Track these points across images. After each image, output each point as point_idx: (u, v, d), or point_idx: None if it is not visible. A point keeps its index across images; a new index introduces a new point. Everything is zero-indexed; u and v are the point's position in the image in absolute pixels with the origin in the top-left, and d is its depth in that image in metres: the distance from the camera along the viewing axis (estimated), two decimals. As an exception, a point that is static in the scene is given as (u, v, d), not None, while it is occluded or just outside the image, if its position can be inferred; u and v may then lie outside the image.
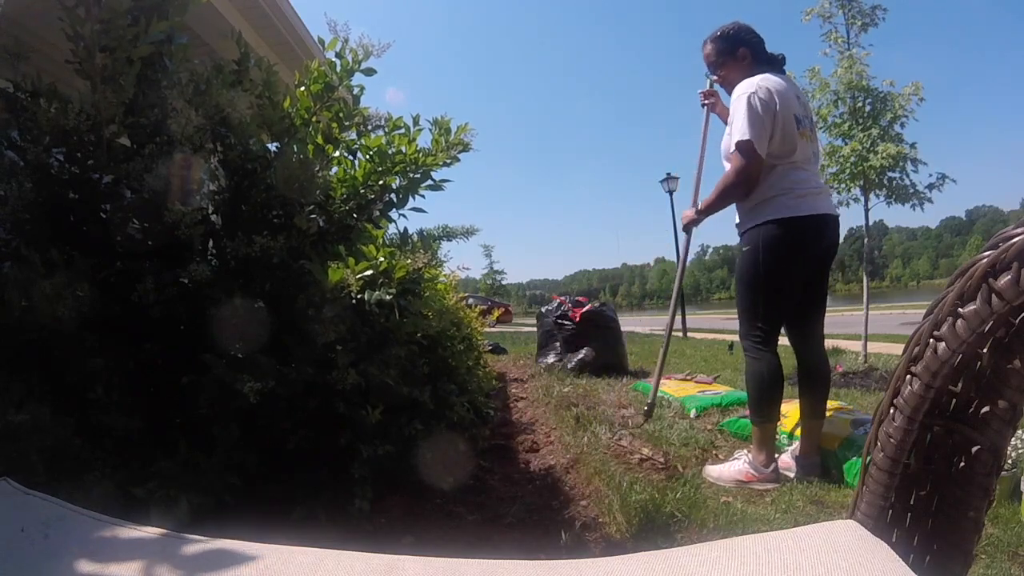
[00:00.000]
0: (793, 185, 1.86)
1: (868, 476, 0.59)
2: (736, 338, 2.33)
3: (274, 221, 1.52)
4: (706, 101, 2.38)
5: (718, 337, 10.21)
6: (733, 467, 1.95)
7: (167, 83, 1.38)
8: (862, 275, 5.01)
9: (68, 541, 0.53)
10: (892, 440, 0.56)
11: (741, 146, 1.85)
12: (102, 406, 1.16)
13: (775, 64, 2.02)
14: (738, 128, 1.84)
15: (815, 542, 0.53)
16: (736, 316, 2.04)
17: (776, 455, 1.98)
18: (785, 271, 1.86)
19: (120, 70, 1.27)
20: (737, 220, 2.02)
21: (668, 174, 12.79)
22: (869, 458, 0.59)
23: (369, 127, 1.76)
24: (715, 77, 2.18)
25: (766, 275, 1.87)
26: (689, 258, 2.80)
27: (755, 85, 1.86)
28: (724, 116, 2.20)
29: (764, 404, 1.91)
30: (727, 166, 1.95)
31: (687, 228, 2.31)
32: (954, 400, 0.57)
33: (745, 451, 2.02)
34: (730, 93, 1.99)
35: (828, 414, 2.05)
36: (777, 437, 2.07)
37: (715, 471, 1.98)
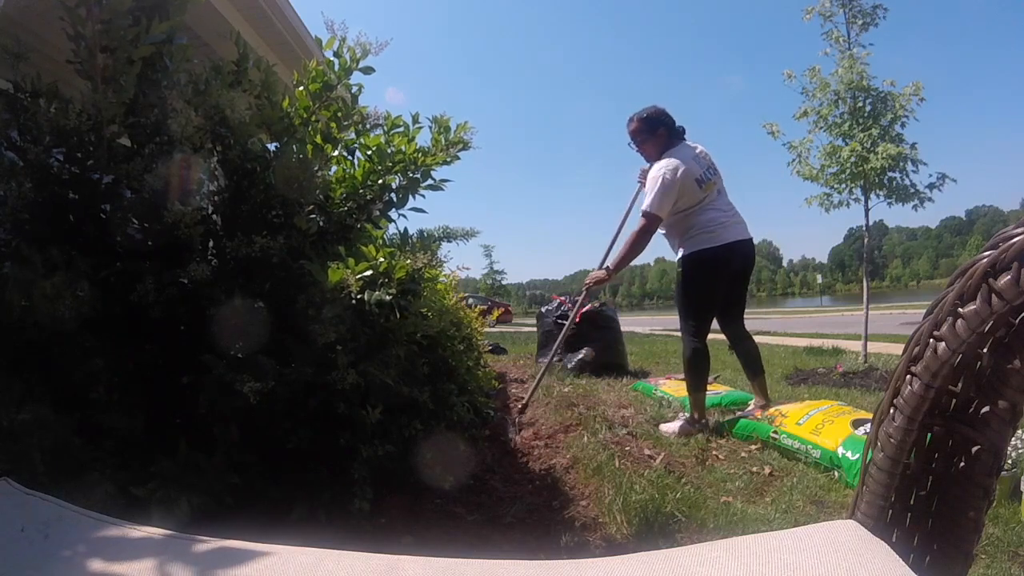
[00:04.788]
0: (705, 224, 2.51)
1: (868, 476, 0.59)
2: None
3: (274, 221, 1.52)
4: (641, 180, 2.85)
5: (718, 337, 10.17)
6: (677, 425, 2.58)
7: (167, 83, 1.38)
8: (862, 275, 5.02)
9: (68, 541, 0.53)
10: (892, 440, 0.56)
11: (646, 213, 2.49)
12: (102, 406, 1.16)
13: (681, 135, 2.67)
14: (648, 199, 2.49)
15: (815, 542, 0.53)
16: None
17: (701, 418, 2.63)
18: (704, 287, 2.55)
19: (121, 70, 1.26)
20: (673, 251, 2.71)
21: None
22: (869, 458, 0.59)
23: (368, 126, 1.75)
24: (636, 148, 2.75)
25: (693, 290, 2.58)
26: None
27: (667, 166, 2.48)
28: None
29: (693, 377, 2.60)
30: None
31: (595, 288, 2.81)
32: (954, 400, 0.57)
33: (683, 413, 2.73)
34: (648, 160, 2.70)
35: (829, 414, 2.29)
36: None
37: (666, 427, 2.60)
